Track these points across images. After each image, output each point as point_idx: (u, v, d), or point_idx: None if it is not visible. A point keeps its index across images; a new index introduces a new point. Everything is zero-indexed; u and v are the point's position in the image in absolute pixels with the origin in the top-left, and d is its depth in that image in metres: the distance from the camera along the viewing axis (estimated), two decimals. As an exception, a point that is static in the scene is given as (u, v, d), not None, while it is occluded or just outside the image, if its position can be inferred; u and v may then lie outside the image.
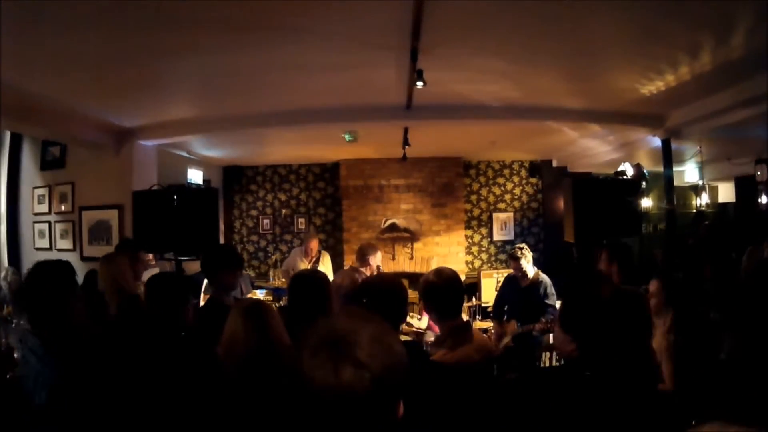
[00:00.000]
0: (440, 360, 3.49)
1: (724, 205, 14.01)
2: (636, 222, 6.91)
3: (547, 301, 7.33)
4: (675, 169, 9.32)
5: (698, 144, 9.69)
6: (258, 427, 2.83)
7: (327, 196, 13.33)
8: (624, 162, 9.37)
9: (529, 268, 7.47)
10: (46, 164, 9.83)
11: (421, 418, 2.57)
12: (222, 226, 12.53)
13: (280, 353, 3.03)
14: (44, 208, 9.79)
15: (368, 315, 1.68)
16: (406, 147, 9.64)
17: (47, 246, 9.68)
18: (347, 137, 9.50)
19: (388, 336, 1.55)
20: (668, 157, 8.86)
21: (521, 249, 7.50)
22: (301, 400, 1.46)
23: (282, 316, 3.40)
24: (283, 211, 13.34)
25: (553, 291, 7.42)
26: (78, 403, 3.38)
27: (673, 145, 8.88)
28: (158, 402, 3.24)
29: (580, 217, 6.28)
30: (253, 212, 13.48)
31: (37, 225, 9.90)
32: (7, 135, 9.90)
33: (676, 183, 9.40)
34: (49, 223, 9.72)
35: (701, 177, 11.82)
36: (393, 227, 12.31)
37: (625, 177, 8.57)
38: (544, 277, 7.48)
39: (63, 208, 9.54)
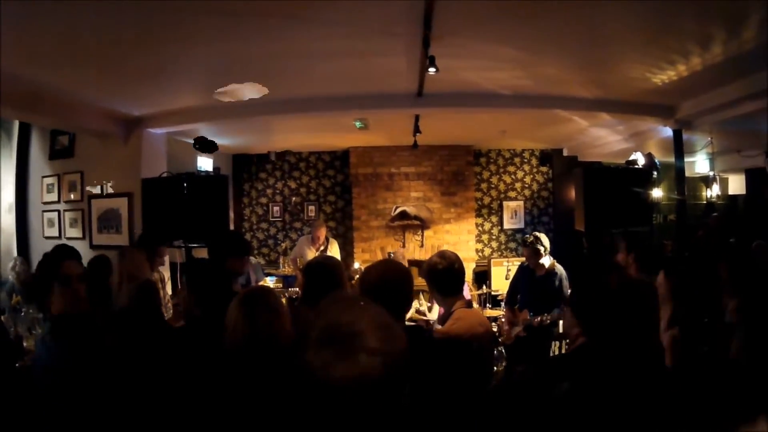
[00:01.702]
0: (446, 330, 3.62)
1: (735, 197, 13.93)
2: (647, 212, 6.86)
3: (562, 294, 7.25)
4: (686, 159, 9.27)
5: (709, 135, 9.65)
6: (261, 415, 2.83)
7: (337, 183, 13.37)
8: (634, 152, 9.33)
9: (545, 259, 7.27)
10: (54, 153, 9.88)
11: (431, 390, 2.60)
12: (232, 214, 12.60)
13: (272, 341, 3.02)
14: (53, 197, 9.83)
15: (362, 300, 1.71)
16: (417, 135, 9.59)
17: (56, 235, 9.71)
18: (357, 125, 9.53)
19: (387, 318, 1.58)
20: (679, 148, 8.83)
21: (537, 238, 7.35)
22: (310, 393, 1.46)
23: (292, 304, 3.40)
24: (293, 198, 13.39)
25: (568, 284, 7.35)
26: (72, 385, 3.40)
27: (684, 135, 8.84)
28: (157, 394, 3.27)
29: (591, 206, 6.26)
30: (263, 200, 13.55)
31: (46, 214, 9.94)
32: (16, 125, 9.97)
33: (686, 174, 9.36)
34: (59, 212, 9.76)
35: (712, 168, 11.79)
36: (403, 215, 12.29)
37: (636, 167, 8.51)
38: (560, 268, 7.32)
39: (72, 197, 9.56)
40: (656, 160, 9.21)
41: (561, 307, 7.02)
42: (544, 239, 7.31)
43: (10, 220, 10.04)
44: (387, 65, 6.50)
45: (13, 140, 10.06)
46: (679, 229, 9.90)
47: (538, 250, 7.23)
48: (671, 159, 9.09)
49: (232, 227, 8.82)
